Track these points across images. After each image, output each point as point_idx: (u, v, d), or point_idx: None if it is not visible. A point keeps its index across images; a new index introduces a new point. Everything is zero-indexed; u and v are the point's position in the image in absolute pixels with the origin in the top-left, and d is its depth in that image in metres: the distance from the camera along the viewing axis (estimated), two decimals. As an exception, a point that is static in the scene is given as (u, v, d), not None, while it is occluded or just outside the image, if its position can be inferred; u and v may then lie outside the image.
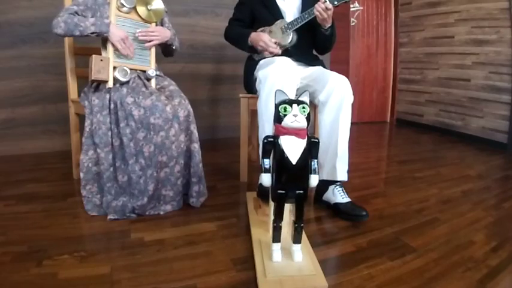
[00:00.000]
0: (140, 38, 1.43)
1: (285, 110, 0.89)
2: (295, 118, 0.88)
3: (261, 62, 1.57)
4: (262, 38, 1.55)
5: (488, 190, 1.77)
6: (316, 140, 0.93)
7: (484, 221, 1.38)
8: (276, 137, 0.92)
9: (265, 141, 0.93)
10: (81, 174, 1.31)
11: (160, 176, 1.31)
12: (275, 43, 1.56)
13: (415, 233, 1.26)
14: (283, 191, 0.91)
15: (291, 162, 0.88)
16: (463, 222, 1.36)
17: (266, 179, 0.94)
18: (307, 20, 1.52)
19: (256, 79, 1.50)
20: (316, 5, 1.45)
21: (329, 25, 1.52)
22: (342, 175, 1.43)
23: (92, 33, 1.33)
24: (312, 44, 1.69)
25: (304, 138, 0.90)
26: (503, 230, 1.31)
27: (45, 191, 1.56)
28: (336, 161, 1.40)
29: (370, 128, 3.56)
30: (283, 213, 0.96)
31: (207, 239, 1.17)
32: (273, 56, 1.56)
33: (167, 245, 1.12)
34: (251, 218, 1.28)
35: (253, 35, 1.59)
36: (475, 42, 2.89)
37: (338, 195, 1.40)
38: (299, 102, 0.90)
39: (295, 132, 0.89)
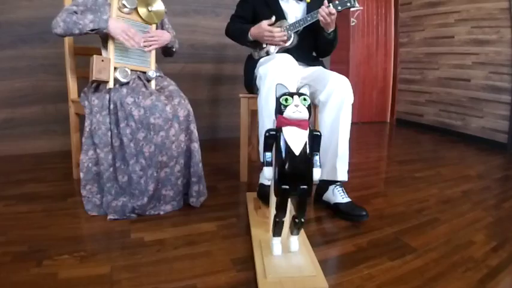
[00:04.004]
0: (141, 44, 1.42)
1: (286, 101, 0.89)
2: (297, 108, 0.88)
3: (261, 59, 1.56)
4: (265, 28, 1.52)
5: (488, 190, 1.77)
6: (318, 133, 0.93)
7: (484, 221, 1.38)
8: (277, 129, 0.91)
9: (267, 134, 0.92)
10: (81, 174, 1.31)
11: (161, 176, 1.31)
12: (279, 27, 1.53)
13: (415, 233, 1.26)
14: (287, 186, 0.89)
15: (293, 152, 0.87)
16: (463, 222, 1.36)
17: (268, 173, 0.92)
18: (309, 23, 1.51)
19: (256, 77, 1.50)
20: (320, 9, 1.44)
21: (332, 29, 1.52)
22: (342, 175, 1.43)
23: (91, 30, 1.32)
24: (312, 46, 1.68)
25: (306, 129, 0.90)
26: (503, 230, 1.31)
27: (45, 191, 1.56)
28: (336, 161, 1.40)
29: (370, 128, 3.56)
30: (286, 208, 0.94)
31: (207, 239, 1.17)
32: (278, 49, 1.56)
33: (167, 245, 1.12)
34: (251, 218, 1.28)
35: (253, 29, 1.57)
36: (475, 42, 2.89)
37: (338, 195, 1.40)
38: (300, 94, 0.90)
39: (297, 123, 0.89)
